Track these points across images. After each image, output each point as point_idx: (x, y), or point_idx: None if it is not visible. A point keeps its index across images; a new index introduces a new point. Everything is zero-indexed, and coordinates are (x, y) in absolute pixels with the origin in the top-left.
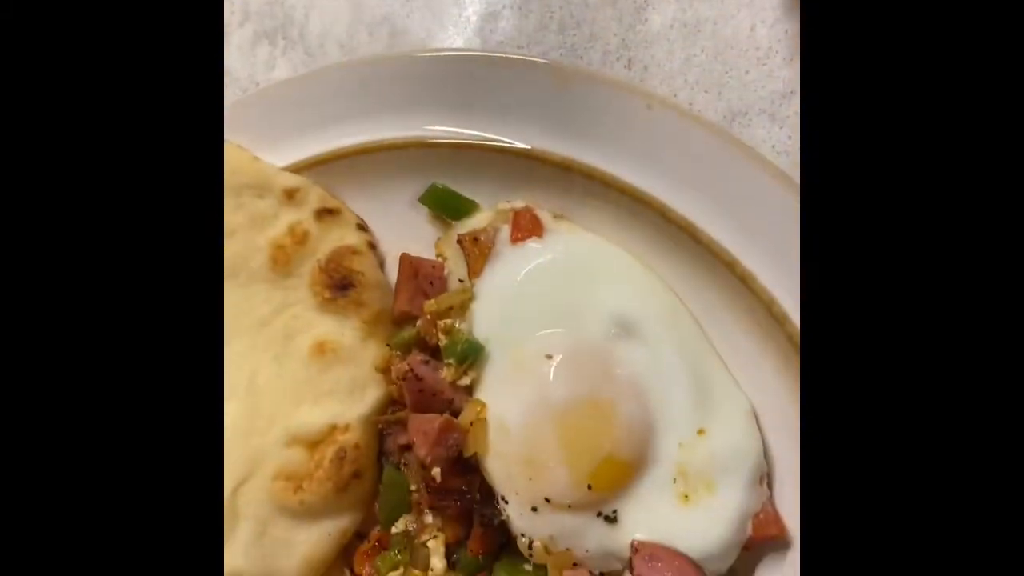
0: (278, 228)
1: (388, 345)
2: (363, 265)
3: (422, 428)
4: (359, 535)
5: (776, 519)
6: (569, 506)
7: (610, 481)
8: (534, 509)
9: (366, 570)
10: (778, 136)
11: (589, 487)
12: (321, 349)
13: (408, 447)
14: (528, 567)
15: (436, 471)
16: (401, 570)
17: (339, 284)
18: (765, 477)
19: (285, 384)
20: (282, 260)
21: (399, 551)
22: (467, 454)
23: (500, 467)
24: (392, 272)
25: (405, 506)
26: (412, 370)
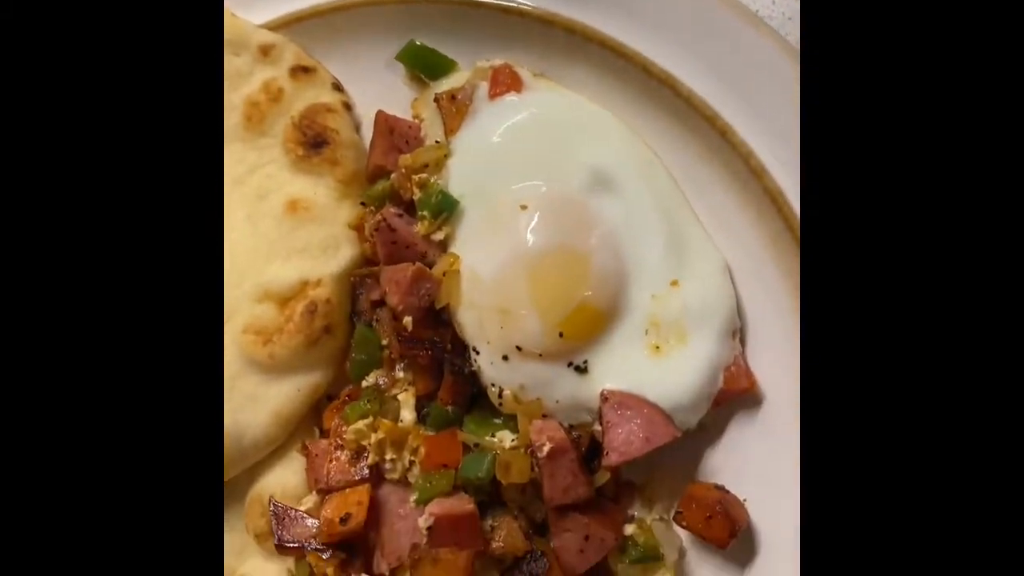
0: (253, 85)
1: (362, 203)
2: (338, 123)
3: (394, 277)
4: (329, 397)
5: (747, 373)
6: (540, 355)
7: (582, 329)
8: (505, 358)
9: (334, 422)
10: (762, 0)
11: (561, 335)
12: (294, 207)
13: (380, 303)
14: (498, 421)
15: (408, 320)
16: (370, 419)
17: (313, 141)
18: (738, 332)
19: (257, 242)
20: (256, 118)
21: (369, 401)
22: (439, 305)
23: (472, 317)
24: (368, 136)
25: (376, 362)
26: (385, 220)
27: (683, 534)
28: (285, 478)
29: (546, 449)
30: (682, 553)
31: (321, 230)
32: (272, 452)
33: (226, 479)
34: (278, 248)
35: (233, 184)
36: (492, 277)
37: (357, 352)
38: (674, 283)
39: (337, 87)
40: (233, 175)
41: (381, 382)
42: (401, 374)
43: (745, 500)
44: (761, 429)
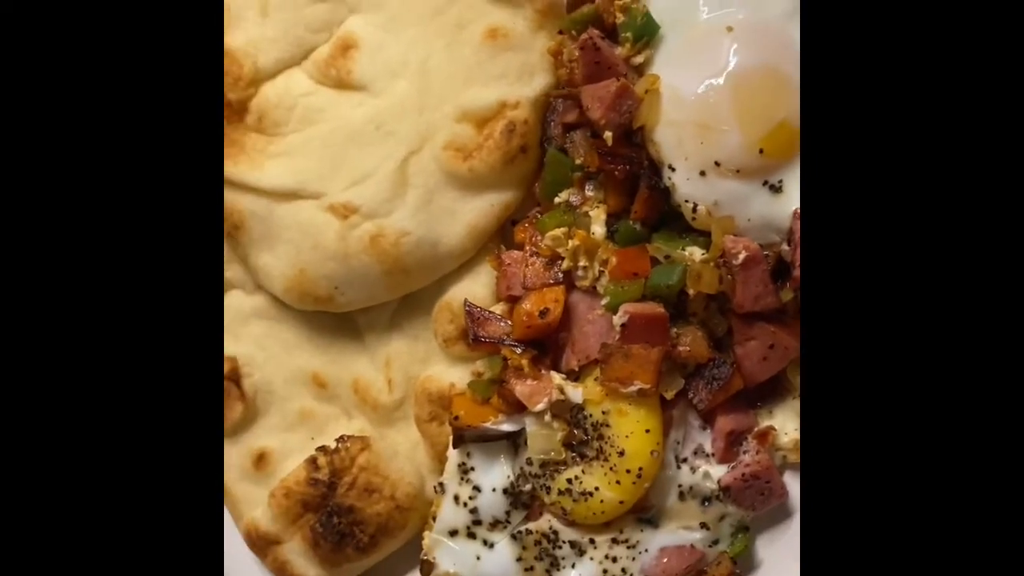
0: None
1: (560, 32)
2: None
3: (598, 94)
4: (513, 221)
5: None
6: (737, 171)
7: (782, 147)
8: (702, 174)
9: (526, 235)
10: None
11: (761, 151)
12: (493, 35)
13: (574, 126)
14: (685, 237)
15: (608, 135)
16: (566, 229)
17: None
18: None
19: (456, 68)
20: None
21: (564, 213)
22: (637, 124)
23: (671, 134)
24: None
25: (566, 182)
26: (591, 39)
27: None
28: (473, 289)
29: (741, 257)
30: None
31: (517, 57)
32: (460, 266)
33: (419, 287)
34: (476, 73)
35: (433, 14)
36: (694, 95)
37: (549, 172)
38: None
39: None
40: (434, 5)
41: (573, 200)
42: (592, 192)
43: None
44: None
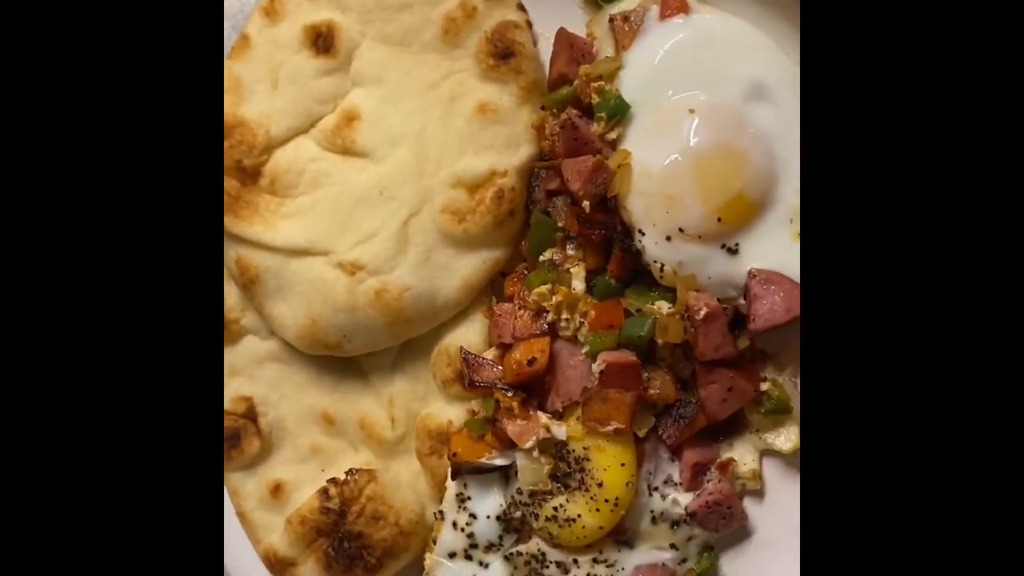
0: (451, 4)
1: (543, 107)
2: (523, 38)
3: (576, 167)
4: (503, 273)
5: None
6: (699, 237)
7: (737, 216)
8: (668, 238)
9: (515, 289)
10: None
11: (719, 220)
12: (483, 110)
13: (556, 192)
14: (654, 292)
15: (586, 204)
16: (550, 285)
17: (502, 53)
18: None
19: (450, 137)
20: (452, 32)
21: (548, 271)
22: (611, 193)
23: (640, 203)
24: (543, 51)
25: (550, 242)
26: (570, 119)
27: None
28: (467, 336)
29: (703, 313)
30: None
31: (505, 130)
32: (456, 315)
33: (417, 335)
34: (468, 143)
35: (428, 88)
36: (660, 169)
37: (534, 232)
38: None
39: (521, 7)
40: (428, 80)
41: (555, 258)
42: (572, 252)
43: None
44: None
